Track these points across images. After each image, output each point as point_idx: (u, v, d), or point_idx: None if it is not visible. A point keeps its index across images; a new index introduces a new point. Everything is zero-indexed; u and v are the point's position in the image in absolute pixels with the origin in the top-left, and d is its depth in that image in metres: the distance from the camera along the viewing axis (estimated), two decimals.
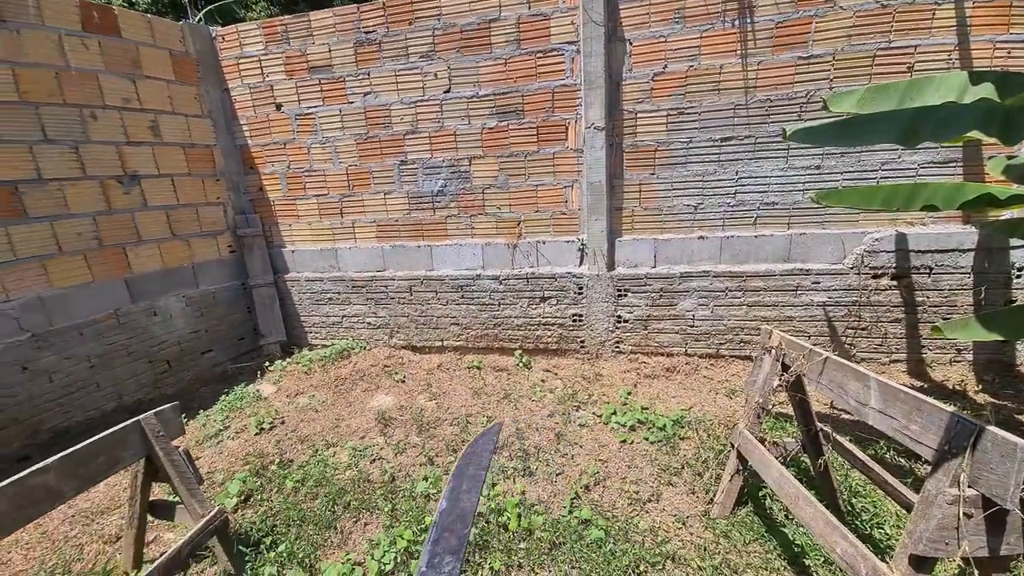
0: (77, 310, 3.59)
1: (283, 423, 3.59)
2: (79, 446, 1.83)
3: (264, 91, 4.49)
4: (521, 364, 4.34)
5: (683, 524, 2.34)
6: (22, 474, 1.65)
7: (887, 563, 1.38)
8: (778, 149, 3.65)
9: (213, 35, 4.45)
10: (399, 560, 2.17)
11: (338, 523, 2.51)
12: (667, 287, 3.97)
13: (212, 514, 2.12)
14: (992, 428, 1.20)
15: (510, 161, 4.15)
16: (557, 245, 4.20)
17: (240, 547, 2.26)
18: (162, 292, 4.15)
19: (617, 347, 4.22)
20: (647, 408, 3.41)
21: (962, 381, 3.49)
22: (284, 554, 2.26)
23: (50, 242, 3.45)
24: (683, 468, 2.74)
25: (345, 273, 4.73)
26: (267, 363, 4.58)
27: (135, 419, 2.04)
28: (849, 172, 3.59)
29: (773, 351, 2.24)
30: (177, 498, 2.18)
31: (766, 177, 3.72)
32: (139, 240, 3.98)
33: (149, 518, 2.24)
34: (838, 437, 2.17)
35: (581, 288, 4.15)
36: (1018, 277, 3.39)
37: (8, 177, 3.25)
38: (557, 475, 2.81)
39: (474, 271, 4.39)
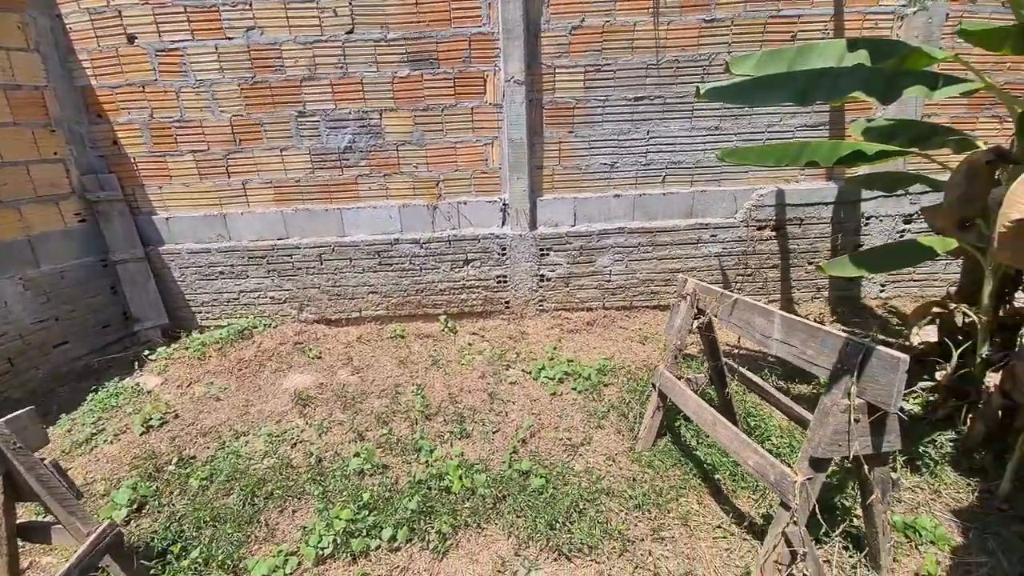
0: None
1: (176, 417, 3.14)
2: None
3: (110, 18, 3.60)
4: (447, 329, 4.26)
5: (613, 461, 2.52)
6: None
7: (791, 467, 1.62)
8: (684, 110, 3.86)
9: None
10: (339, 542, 2.05)
11: (261, 516, 2.30)
12: (586, 245, 4.11)
13: (100, 531, 1.79)
14: (879, 347, 1.43)
15: (426, 115, 3.88)
16: (479, 205, 4.09)
17: (142, 561, 1.96)
18: None
19: (541, 306, 4.32)
20: (572, 361, 3.57)
21: (820, 314, 4.17)
22: (199, 560, 2.01)
23: None
24: (609, 411, 2.94)
25: (238, 242, 4.15)
26: (147, 352, 3.93)
27: None
28: (742, 133, 3.95)
29: (689, 297, 2.43)
30: (51, 517, 1.81)
31: (673, 137, 3.94)
32: None
33: (21, 543, 1.83)
34: (740, 369, 2.46)
35: (504, 249, 4.13)
36: (866, 225, 4.08)
37: None
38: (494, 433, 2.85)
39: (392, 235, 4.13)
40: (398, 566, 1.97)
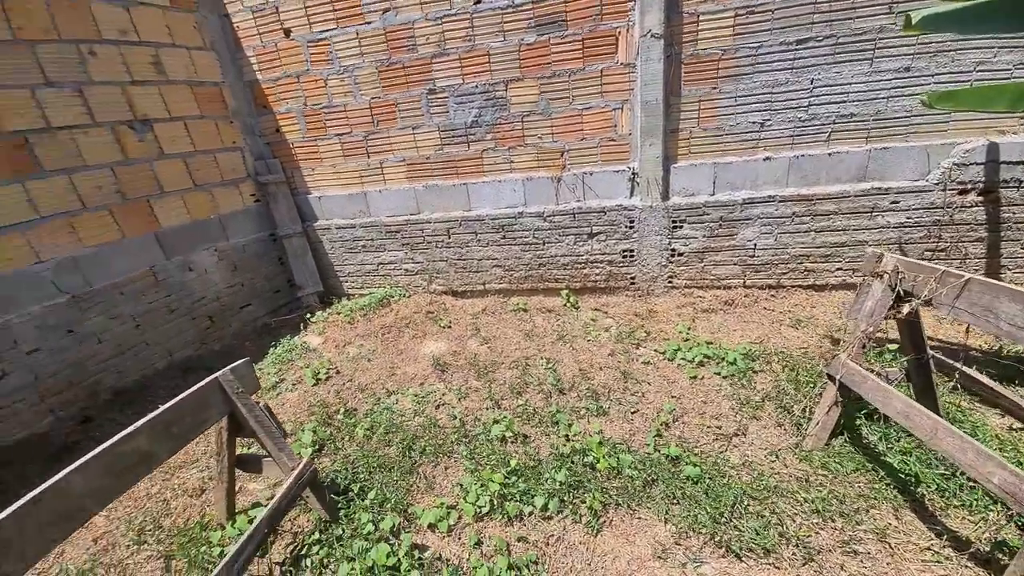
0: (113, 269, 3.44)
1: (338, 373, 3.54)
2: (164, 408, 1.73)
3: (268, 14, 4.00)
4: (569, 304, 4.20)
5: (776, 457, 2.28)
6: (112, 441, 1.57)
7: None
8: (862, 50, 3.21)
9: None
10: (494, 503, 2.15)
11: (418, 469, 2.50)
12: (727, 216, 3.71)
13: (302, 466, 2.08)
14: None
15: (552, 82, 3.74)
16: (605, 176, 3.89)
17: (331, 495, 2.25)
18: (193, 247, 3.98)
19: (670, 282, 4.05)
20: (711, 343, 3.30)
21: None
22: (377, 501, 2.25)
23: (72, 197, 3.22)
24: (764, 401, 2.66)
25: (377, 218, 4.49)
26: (308, 315, 4.49)
27: (213, 377, 1.94)
28: (941, 74, 3.18)
29: (886, 276, 2.04)
30: (263, 451, 2.14)
31: (846, 84, 3.32)
32: (162, 192, 3.74)
33: (237, 472, 2.22)
34: (958, 365, 2.02)
35: (632, 221, 3.90)
36: None
37: (15, 127, 2.96)
38: (632, 413, 2.75)
39: (515, 209, 4.13)
40: (552, 535, 2.01)
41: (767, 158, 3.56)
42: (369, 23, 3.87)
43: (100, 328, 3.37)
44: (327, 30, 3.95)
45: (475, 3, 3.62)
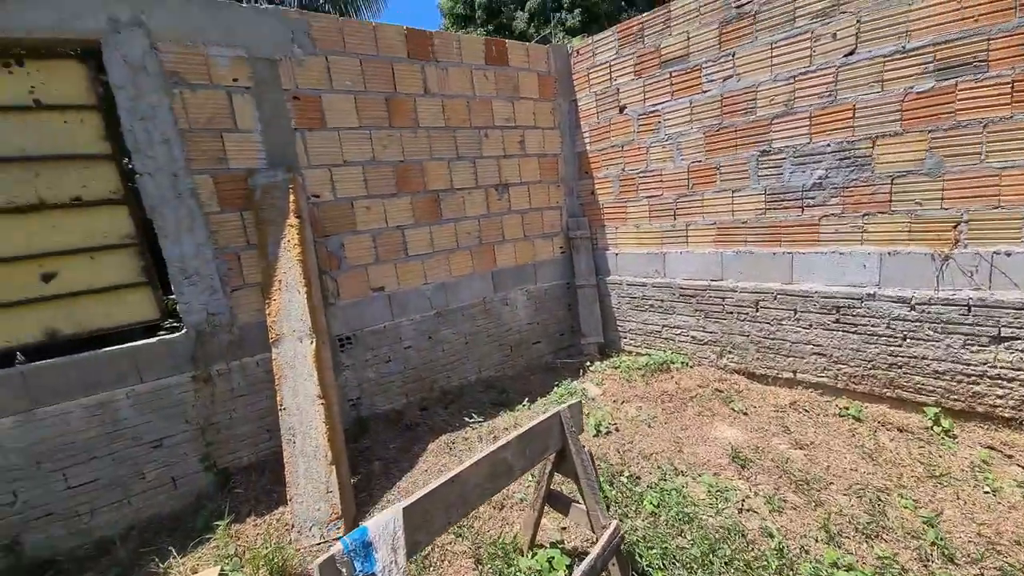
0: (462, 296, 4.38)
1: (617, 431, 3.45)
2: (524, 429, 1.91)
3: (609, 96, 4.56)
4: (938, 428, 3.00)
5: None
6: (494, 448, 1.78)
7: None
8: None
9: (569, 51, 4.80)
10: None
11: None
12: None
13: (613, 528, 1.97)
14: None
15: (949, 136, 2.89)
16: None
17: (632, 572, 2.07)
18: (512, 286, 4.72)
19: None
20: None
21: None
22: None
23: (453, 239, 4.29)
24: None
25: (672, 280, 4.37)
26: (587, 362, 4.67)
27: (556, 411, 2.07)
28: None
29: None
30: (576, 496, 2.15)
31: None
32: (503, 240, 4.62)
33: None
34: None
35: None
36: None
37: (434, 187, 4.17)
38: None
39: (863, 288, 3.30)
40: None
41: None
42: (705, 92, 3.92)
43: (446, 339, 4.30)
44: (660, 103, 4.21)
45: (845, 55, 3.19)
